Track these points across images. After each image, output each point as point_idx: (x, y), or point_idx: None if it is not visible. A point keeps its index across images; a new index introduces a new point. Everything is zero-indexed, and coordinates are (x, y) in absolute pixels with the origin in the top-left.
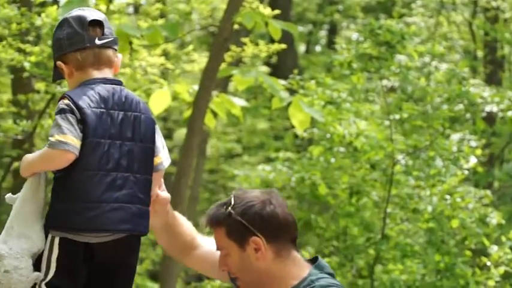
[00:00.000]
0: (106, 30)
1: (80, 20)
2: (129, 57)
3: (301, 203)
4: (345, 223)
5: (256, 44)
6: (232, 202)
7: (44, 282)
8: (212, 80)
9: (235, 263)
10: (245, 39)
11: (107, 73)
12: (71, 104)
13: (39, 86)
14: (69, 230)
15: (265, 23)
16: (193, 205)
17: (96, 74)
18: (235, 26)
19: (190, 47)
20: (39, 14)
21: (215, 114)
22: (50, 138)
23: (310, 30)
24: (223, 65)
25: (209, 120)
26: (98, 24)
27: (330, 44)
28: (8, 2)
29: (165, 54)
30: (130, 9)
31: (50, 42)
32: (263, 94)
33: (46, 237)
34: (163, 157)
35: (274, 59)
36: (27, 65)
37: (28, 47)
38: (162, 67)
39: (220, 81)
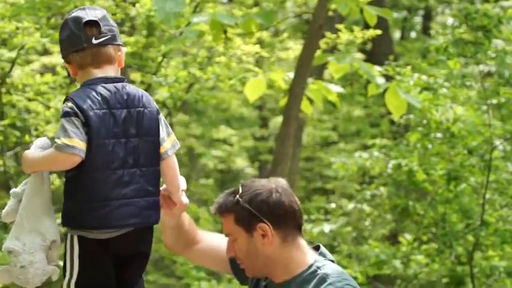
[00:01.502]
0: (103, 28)
1: (76, 20)
2: (224, 46)
3: (398, 189)
4: (443, 209)
5: (351, 31)
6: (240, 190)
7: (72, 281)
8: (308, 68)
9: (242, 248)
10: (340, 26)
11: (108, 70)
12: (74, 107)
13: (135, 76)
14: (82, 228)
15: (360, 9)
16: None
17: (97, 73)
18: (330, 13)
19: (285, 34)
20: (133, 4)
21: (311, 102)
22: (57, 140)
23: (404, 16)
24: (318, 52)
25: (306, 108)
26: (94, 23)
27: (425, 30)
28: None
29: (260, 42)
30: None
31: (144, 32)
32: (358, 81)
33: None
34: (167, 146)
35: (368, 46)
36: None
37: (123, 38)
38: (257, 55)
39: (315, 69)
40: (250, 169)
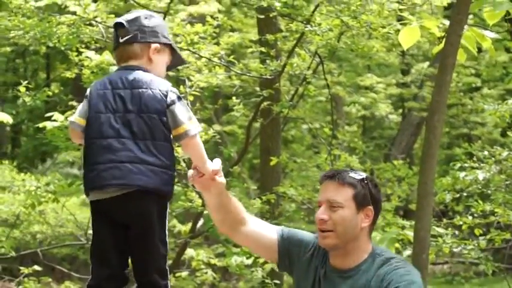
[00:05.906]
0: (131, 28)
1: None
2: None
3: None
4: None
5: None
6: (368, 176)
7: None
8: (465, 14)
9: (345, 218)
10: None
11: (132, 63)
12: (88, 90)
13: (288, 25)
14: (84, 191)
15: None
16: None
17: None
18: None
19: None
20: None
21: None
22: None
23: None
24: None
25: (460, 55)
26: (120, 25)
27: None
28: None
29: None
30: None
31: None
32: (502, 28)
33: None
34: (187, 128)
35: None
36: (278, 4)
37: None
38: (409, 2)
39: None
40: (394, 116)
